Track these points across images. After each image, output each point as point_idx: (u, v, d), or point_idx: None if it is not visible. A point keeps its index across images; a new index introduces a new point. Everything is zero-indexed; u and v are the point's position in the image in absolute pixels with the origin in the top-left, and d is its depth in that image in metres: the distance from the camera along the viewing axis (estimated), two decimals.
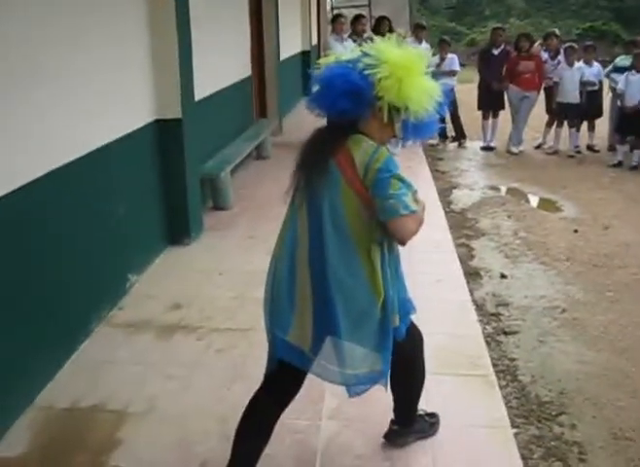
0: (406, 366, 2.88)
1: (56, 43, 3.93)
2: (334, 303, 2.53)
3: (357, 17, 10.08)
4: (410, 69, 2.43)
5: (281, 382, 2.77)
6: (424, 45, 10.51)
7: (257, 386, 2.82)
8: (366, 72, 2.42)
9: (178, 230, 5.89)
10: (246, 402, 2.80)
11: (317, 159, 2.53)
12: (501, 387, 3.90)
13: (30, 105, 3.62)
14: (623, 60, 10.56)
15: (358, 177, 2.45)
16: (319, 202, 2.51)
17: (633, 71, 9.77)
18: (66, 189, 4.02)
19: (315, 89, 2.57)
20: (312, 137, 2.61)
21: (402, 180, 2.45)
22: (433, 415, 3.33)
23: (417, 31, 11.21)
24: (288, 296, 2.61)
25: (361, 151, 2.46)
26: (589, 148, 10.94)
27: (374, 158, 2.44)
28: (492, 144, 11.15)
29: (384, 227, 2.48)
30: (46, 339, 3.78)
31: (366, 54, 2.48)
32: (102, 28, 4.54)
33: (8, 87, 3.43)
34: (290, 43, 12.95)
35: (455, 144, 11.39)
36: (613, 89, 10.57)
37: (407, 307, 2.80)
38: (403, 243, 2.51)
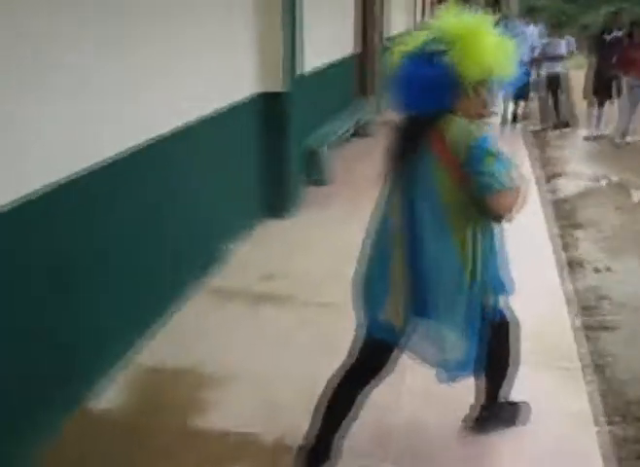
0: (492, 351, 2.82)
1: (170, 18, 4.11)
2: (427, 282, 2.53)
3: None
4: (477, 37, 2.38)
5: (371, 358, 2.79)
6: (534, 27, 10.25)
7: (343, 359, 2.85)
8: (438, 60, 2.38)
9: (278, 202, 6.00)
10: (330, 374, 2.84)
11: (409, 141, 2.52)
12: (590, 382, 3.80)
13: (150, 73, 3.85)
14: None
15: (452, 156, 2.42)
16: (413, 184, 2.51)
17: None
18: (173, 154, 4.18)
19: (393, 89, 2.54)
20: (402, 123, 2.60)
21: (496, 156, 2.41)
22: (519, 405, 3.27)
23: (528, 13, 10.94)
24: (381, 275, 2.63)
25: (454, 130, 2.42)
26: None
27: (469, 135, 2.40)
28: (600, 133, 10.78)
29: (480, 204, 2.46)
30: (142, 302, 3.94)
31: (432, 40, 2.44)
32: (211, 6, 4.66)
33: (135, 55, 3.66)
34: (395, 22, 12.83)
35: (559, 131, 11.06)
36: None
37: (502, 289, 2.76)
38: (499, 220, 2.50)
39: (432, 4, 18.31)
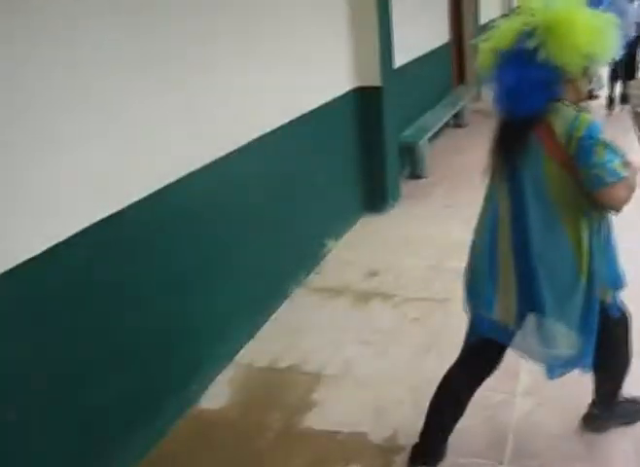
0: (611, 346, 2.71)
1: (273, 18, 4.20)
2: (537, 277, 2.44)
3: None
4: (571, 24, 2.25)
5: (481, 358, 2.73)
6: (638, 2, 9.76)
7: (452, 357, 2.79)
8: (537, 58, 2.27)
9: (376, 197, 5.96)
10: (440, 372, 2.79)
11: (516, 134, 2.43)
12: None
13: (254, 74, 3.95)
14: None
15: (560, 147, 2.33)
16: (521, 178, 2.42)
17: None
18: (273, 152, 4.21)
19: (494, 92, 2.45)
20: (507, 118, 2.51)
21: (607, 146, 2.29)
22: (636, 401, 3.14)
23: None
24: (490, 274, 2.56)
25: (561, 120, 2.33)
26: None
27: (576, 126, 2.30)
28: None
29: (592, 196, 2.35)
30: (247, 300, 3.97)
31: (526, 35, 2.31)
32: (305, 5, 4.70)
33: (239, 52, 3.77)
34: (489, 7, 12.56)
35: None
36: None
37: (617, 282, 2.63)
38: (612, 212, 2.41)
39: None
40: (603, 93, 10.20)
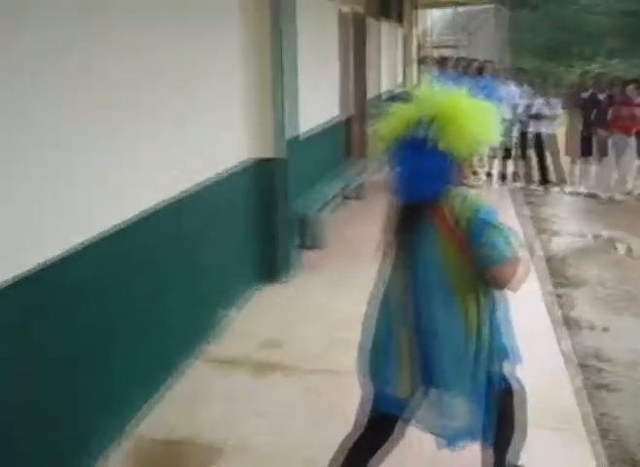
0: (503, 419, 2.83)
1: (155, 86, 4.10)
2: (434, 352, 2.56)
3: (444, 60, 10.17)
4: (462, 114, 2.46)
5: (379, 430, 2.80)
6: (515, 87, 10.50)
7: (346, 429, 2.86)
8: (433, 147, 2.45)
9: (272, 268, 6.02)
10: (336, 444, 2.84)
11: (412, 218, 2.58)
12: (594, 444, 3.77)
13: (128, 148, 3.77)
14: None
15: (453, 228, 2.49)
16: (416, 257, 2.57)
17: None
18: (165, 227, 4.19)
19: (392, 178, 2.62)
20: (402, 202, 2.65)
21: (497, 227, 2.47)
22: None
23: (516, 74, 11.19)
24: (387, 353, 2.66)
25: (453, 203, 2.51)
26: None
27: (466, 206, 2.48)
28: (585, 190, 10.90)
29: (483, 274, 2.50)
30: (141, 373, 3.90)
31: (420, 123, 2.49)
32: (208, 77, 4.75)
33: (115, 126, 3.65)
34: (380, 84, 13.07)
35: (554, 189, 11.16)
36: None
37: (506, 354, 2.77)
38: (502, 289, 2.57)
39: (413, 62, 18.59)
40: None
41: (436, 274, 2.53)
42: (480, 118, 2.49)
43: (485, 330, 2.61)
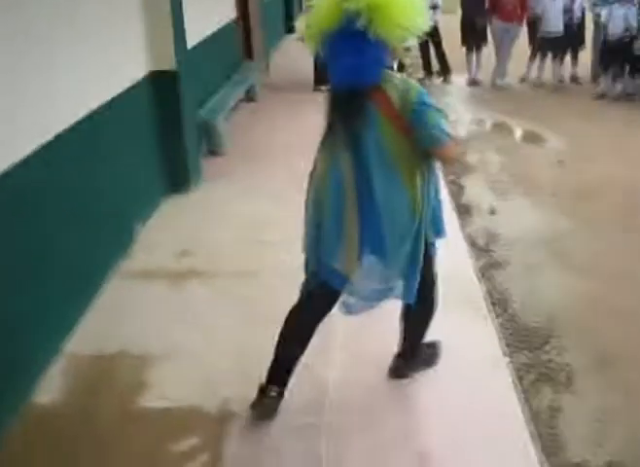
0: (429, 283, 3.10)
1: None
2: (380, 223, 2.80)
3: None
4: (394, 2, 2.60)
5: (319, 300, 3.09)
6: None
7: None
8: (368, 36, 2.59)
9: (179, 178, 6.05)
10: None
11: (356, 104, 2.73)
12: (493, 319, 4.15)
13: (32, 67, 3.72)
14: None
15: (396, 111, 2.68)
16: (362, 141, 2.74)
17: (616, 4, 9.81)
18: (73, 146, 4.17)
19: (331, 70, 2.76)
20: (341, 88, 2.79)
21: (438, 110, 2.72)
22: (433, 345, 3.53)
23: None
24: (336, 227, 2.87)
25: (394, 87, 2.69)
26: (573, 79, 11.07)
27: (408, 91, 2.68)
28: (477, 78, 11.23)
29: (428, 153, 2.76)
30: (63, 292, 3.95)
31: (352, 14, 2.59)
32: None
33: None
34: None
35: (441, 79, 11.42)
36: (596, 22, 10.64)
37: (439, 227, 3.04)
38: (449, 165, 2.83)
39: None
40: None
41: (381, 153, 2.73)
42: (412, 7, 2.65)
43: (426, 203, 2.85)
